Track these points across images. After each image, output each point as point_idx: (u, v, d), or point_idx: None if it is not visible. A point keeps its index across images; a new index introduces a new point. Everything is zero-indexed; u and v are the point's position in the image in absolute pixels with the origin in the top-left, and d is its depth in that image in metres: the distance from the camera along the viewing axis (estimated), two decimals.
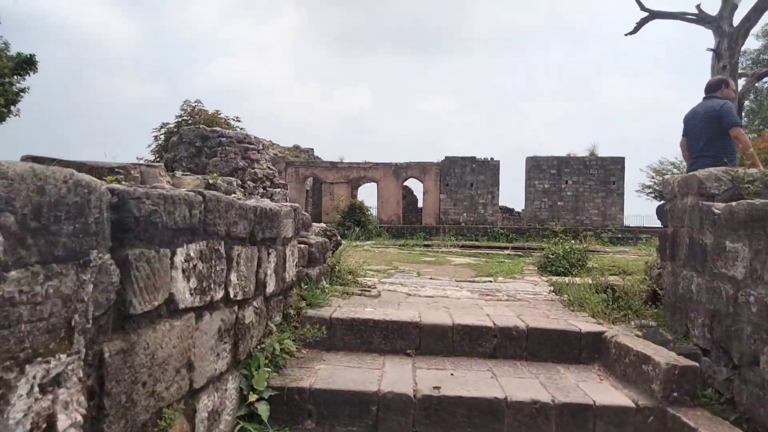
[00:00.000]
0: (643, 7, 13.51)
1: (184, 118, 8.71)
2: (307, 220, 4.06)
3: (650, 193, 32.84)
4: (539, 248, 14.75)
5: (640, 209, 54.52)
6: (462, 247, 11.96)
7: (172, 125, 8.77)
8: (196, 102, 9.02)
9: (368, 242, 16.37)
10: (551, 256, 6.02)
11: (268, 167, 5.25)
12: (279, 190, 5.46)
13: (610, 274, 6.63)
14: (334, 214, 23.19)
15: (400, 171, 25.13)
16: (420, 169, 25.06)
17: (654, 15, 13.59)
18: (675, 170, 32.29)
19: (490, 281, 5.42)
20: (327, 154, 42.57)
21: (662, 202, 4.10)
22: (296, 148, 27.91)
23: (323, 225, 5.09)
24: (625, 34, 14.44)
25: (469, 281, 5.33)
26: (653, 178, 32.63)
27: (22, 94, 9.83)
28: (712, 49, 13.09)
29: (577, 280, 5.49)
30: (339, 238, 5.01)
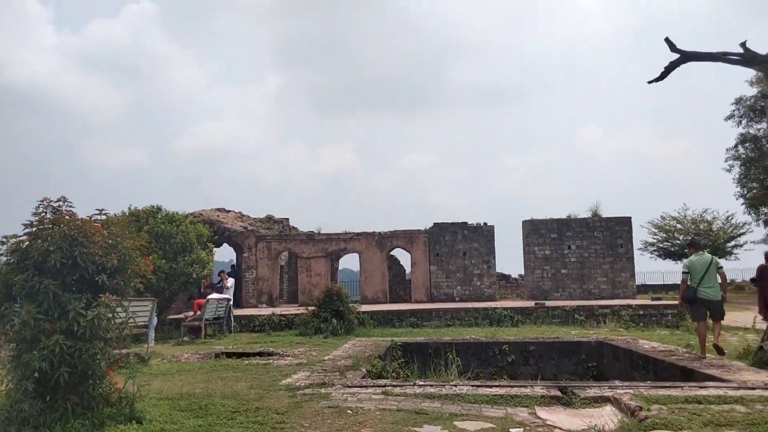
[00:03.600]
0: (674, 48, 10.55)
1: (45, 226, 5.28)
2: None
3: (654, 251, 29.70)
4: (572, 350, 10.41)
5: (642, 266, 50.80)
6: (469, 376, 8.43)
7: (22, 237, 5.31)
8: (59, 201, 5.58)
9: (347, 343, 12.74)
10: None
11: None
12: None
13: None
14: (309, 295, 19.60)
15: (384, 241, 21.75)
16: (406, 239, 21.70)
17: (687, 57, 10.63)
18: (678, 225, 29.29)
19: None
20: (306, 223, 39.19)
21: None
22: (269, 219, 24.49)
23: None
24: (649, 82, 11.46)
25: None
26: (656, 234, 29.58)
27: None
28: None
29: None
30: None
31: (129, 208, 16.16)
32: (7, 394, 5.11)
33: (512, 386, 7.31)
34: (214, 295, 15.16)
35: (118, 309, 5.61)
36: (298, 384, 7.86)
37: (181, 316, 16.92)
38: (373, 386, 7.51)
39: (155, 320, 14.21)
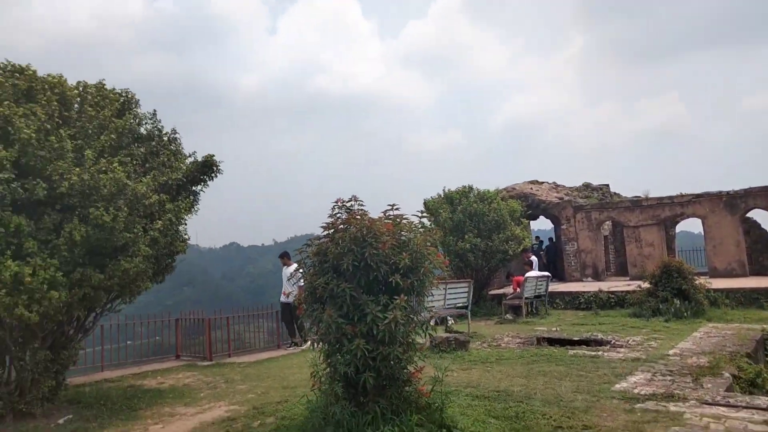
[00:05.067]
0: None
1: (339, 227, 5.12)
2: None
3: None
4: None
5: None
6: None
7: (323, 238, 5.26)
8: (351, 200, 5.36)
9: (697, 331, 10.25)
10: None
11: None
12: None
13: None
14: (641, 268, 16.96)
15: (735, 201, 17.38)
16: (766, 196, 16.89)
17: None
18: None
19: None
20: (628, 188, 34.82)
21: None
22: (586, 187, 22.31)
23: None
24: None
25: None
26: None
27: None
28: None
29: None
30: None
31: (443, 190, 16.49)
32: (322, 394, 5.11)
33: None
34: (533, 273, 14.25)
35: (419, 309, 5.13)
36: (636, 392, 6.29)
37: (501, 292, 16.60)
38: (746, 407, 5.42)
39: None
